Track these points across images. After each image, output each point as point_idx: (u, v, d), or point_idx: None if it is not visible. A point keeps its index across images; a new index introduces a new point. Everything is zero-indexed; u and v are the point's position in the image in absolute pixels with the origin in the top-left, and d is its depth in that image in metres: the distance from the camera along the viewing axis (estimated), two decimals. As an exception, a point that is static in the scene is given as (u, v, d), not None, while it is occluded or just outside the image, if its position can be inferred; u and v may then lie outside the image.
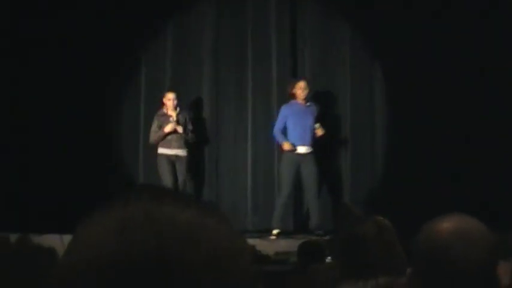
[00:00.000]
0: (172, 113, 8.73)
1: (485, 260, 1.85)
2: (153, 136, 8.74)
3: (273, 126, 8.75)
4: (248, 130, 9.43)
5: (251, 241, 7.66)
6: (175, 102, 8.77)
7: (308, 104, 8.65)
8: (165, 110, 8.80)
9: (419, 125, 8.70)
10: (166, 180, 8.58)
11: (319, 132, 8.56)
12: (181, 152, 8.74)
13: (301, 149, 8.48)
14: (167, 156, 8.70)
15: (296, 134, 8.48)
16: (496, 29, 8.61)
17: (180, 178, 8.72)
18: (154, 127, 8.74)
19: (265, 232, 8.77)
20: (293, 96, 8.61)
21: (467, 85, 8.54)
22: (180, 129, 8.68)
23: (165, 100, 8.79)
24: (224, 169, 9.51)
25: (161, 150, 8.73)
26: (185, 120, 8.85)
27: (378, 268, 2.63)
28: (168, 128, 8.66)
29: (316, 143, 8.61)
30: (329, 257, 5.41)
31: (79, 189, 8.39)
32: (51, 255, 2.72)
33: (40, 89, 8.89)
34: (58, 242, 5.16)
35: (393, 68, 8.95)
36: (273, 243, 8.16)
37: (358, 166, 9.24)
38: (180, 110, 8.84)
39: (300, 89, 8.55)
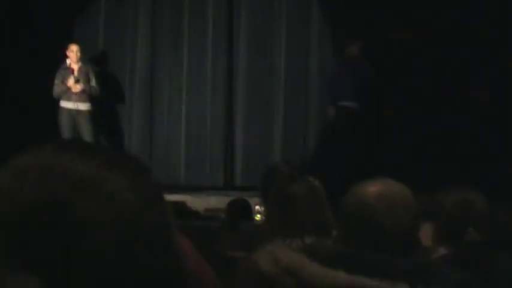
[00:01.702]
0: (75, 66, 8.52)
1: (407, 222, 1.91)
2: (56, 89, 8.51)
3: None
4: (183, 83, 9.38)
5: (182, 197, 7.68)
6: (79, 54, 8.55)
7: None
8: (68, 63, 8.58)
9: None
10: (65, 134, 8.44)
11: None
12: (82, 106, 8.56)
13: None
14: (68, 110, 8.53)
15: None
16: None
17: (85, 132, 8.54)
18: (57, 80, 8.52)
19: (197, 188, 8.80)
20: None
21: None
22: (78, 86, 8.48)
23: (68, 52, 8.55)
24: (158, 123, 9.46)
25: (62, 104, 8.55)
26: (88, 73, 8.63)
27: (305, 228, 2.68)
28: (70, 82, 8.45)
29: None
30: (258, 215, 5.48)
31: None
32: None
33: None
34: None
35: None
36: (204, 199, 8.20)
37: (291, 125, 9.31)
38: (83, 63, 8.62)
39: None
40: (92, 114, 8.64)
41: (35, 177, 0.76)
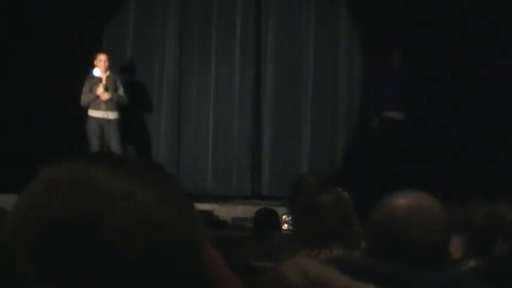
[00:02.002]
0: (103, 75, 8.54)
1: (437, 235, 1.89)
2: (84, 98, 8.52)
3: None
4: (211, 92, 9.39)
5: (209, 206, 7.69)
6: (107, 64, 8.56)
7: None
8: (96, 72, 8.56)
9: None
10: (93, 143, 8.46)
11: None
12: (110, 115, 8.57)
13: None
14: (96, 119, 8.55)
15: None
16: None
17: (113, 142, 8.55)
18: (85, 89, 8.53)
19: (225, 197, 8.80)
20: None
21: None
22: (106, 95, 8.48)
23: (96, 62, 8.56)
24: (185, 132, 9.48)
25: (90, 113, 8.56)
26: (116, 82, 8.64)
27: (333, 239, 2.66)
28: (98, 91, 8.45)
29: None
30: (285, 225, 5.46)
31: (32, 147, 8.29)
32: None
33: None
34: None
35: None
36: (231, 209, 8.20)
37: (319, 136, 9.27)
38: (111, 72, 8.63)
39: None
40: (120, 123, 8.67)
41: (65, 190, 0.77)
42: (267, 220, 5.14)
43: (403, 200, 1.89)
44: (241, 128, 9.34)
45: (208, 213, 7.09)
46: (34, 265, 0.75)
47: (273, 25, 9.36)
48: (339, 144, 9.21)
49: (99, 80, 8.55)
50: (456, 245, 2.83)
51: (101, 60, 8.54)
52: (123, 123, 8.71)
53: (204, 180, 9.31)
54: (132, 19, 9.48)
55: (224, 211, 7.81)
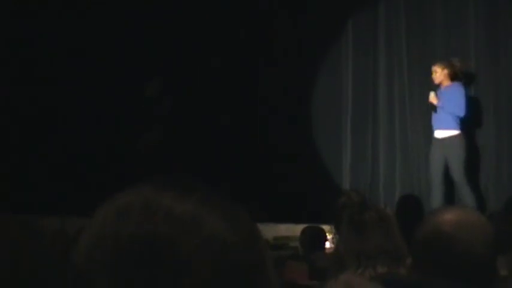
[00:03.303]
0: None
1: (486, 252, 1.87)
2: None
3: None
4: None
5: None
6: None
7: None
8: None
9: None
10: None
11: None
12: None
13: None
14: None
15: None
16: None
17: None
18: None
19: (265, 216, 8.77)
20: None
21: None
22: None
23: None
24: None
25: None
26: None
27: (377, 256, 2.65)
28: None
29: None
30: (328, 243, 5.43)
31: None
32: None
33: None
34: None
35: None
36: (272, 227, 8.17)
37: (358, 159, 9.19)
38: None
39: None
40: None
41: (137, 215, 0.80)
42: (314, 238, 5.11)
43: (449, 216, 1.88)
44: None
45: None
46: (107, 287, 0.78)
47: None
48: (378, 161, 9.13)
49: None
50: (502, 263, 2.79)
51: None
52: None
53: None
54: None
55: (265, 230, 7.79)
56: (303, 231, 5.30)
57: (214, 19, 9.24)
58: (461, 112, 7.88)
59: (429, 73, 8.16)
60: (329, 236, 5.43)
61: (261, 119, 9.38)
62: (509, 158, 8.43)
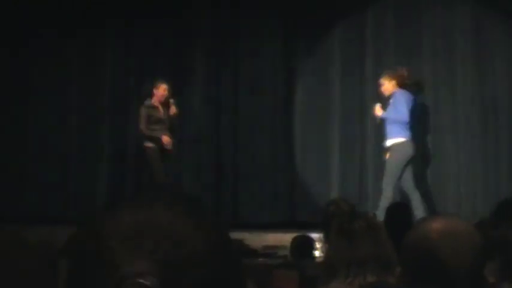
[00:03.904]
0: (173, 107, 8.32)
1: (473, 260, 1.88)
2: (144, 129, 8.19)
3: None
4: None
5: (239, 235, 7.66)
6: (167, 94, 8.25)
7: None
8: (153, 102, 8.23)
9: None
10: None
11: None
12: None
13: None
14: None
15: None
16: None
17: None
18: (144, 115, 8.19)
19: (255, 225, 8.77)
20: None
21: None
22: (169, 144, 8.25)
23: (156, 91, 8.19)
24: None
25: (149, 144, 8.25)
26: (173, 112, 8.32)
27: (366, 266, 2.65)
28: (164, 140, 8.17)
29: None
30: (317, 252, 5.43)
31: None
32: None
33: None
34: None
35: None
36: (262, 237, 8.16)
37: (348, 160, 9.23)
38: (173, 101, 8.32)
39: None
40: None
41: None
42: (303, 247, 5.10)
43: (436, 224, 1.88)
44: (272, 155, 9.35)
45: (238, 242, 7.06)
46: None
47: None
48: (367, 169, 9.16)
49: (156, 108, 8.34)
50: (491, 270, 2.79)
51: (164, 89, 8.34)
52: None
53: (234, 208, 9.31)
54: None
55: (255, 239, 7.78)
56: (293, 240, 5.29)
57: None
58: (404, 118, 7.83)
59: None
60: (318, 245, 5.44)
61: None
62: (496, 165, 8.49)
